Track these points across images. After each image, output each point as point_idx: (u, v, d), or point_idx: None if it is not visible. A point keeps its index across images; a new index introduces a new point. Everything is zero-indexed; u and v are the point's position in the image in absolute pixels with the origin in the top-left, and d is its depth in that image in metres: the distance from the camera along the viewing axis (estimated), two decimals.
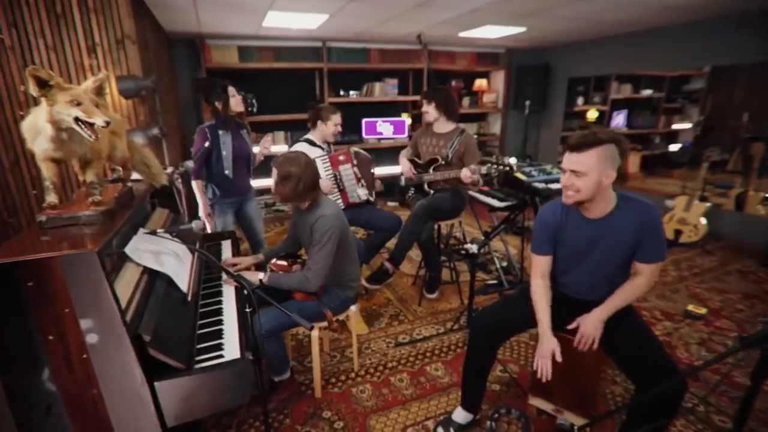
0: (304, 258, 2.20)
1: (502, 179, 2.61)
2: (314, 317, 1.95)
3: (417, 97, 5.37)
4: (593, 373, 1.74)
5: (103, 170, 1.50)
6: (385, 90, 5.23)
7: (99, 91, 1.32)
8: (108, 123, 1.23)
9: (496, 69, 5.74)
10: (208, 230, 2.60)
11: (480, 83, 5.78)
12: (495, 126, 6.09)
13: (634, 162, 5.59)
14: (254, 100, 4.55)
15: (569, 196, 1.49)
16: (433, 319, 2.78)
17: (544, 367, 1.53)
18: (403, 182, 2.99)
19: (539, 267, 1.67)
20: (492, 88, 5.89)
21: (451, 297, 3.06)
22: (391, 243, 2.85)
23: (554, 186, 2.49)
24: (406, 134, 5.39)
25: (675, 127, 5.45)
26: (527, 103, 5.28)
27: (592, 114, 5.99)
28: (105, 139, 1.42)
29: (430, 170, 2.76)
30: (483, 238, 3.43)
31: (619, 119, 5.57)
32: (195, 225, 1.63)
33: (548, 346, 1.54)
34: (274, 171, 1.85)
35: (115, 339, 1.12)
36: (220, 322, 1.56)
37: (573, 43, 5.19)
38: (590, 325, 1.53)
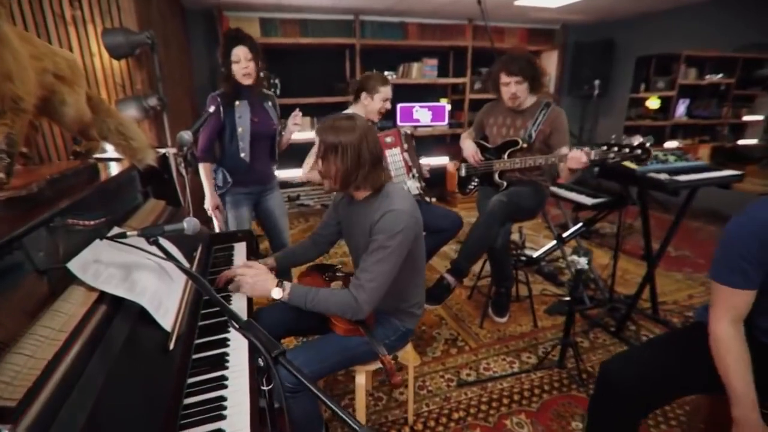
0: (344, 270, 1.61)
1: (607, 169, 1.95)
2: (362, 360, 1.36)
3: (459, 80, 4.73)
4: None
5: (29, 130, 0.95)
6: (423, 71, 4.60)
7: None
8: None
9: (549, 48, 5.03)
10: (216, 228, 2.04)
11: None
12: None
13: (704, 154, 4.82)
14: (277, 81, 4.01)
15: None
16: (502, 348, 2.16)
17: None
18: (463, 171, 2.37)
19: (734, 306, 1.04)
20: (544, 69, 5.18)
21: (521, 317, 2.43)
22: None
23: (684, 178, 1.82)
24: (445, 122, 4.76)
25: (746, 118, 4.79)
26: (585, 87, 4.57)
27: (653, 102, 5.23)
28: (29, 78, 0.85)
29: (504, 156, 2.12)
30: (583, 251, 2.79)
31: (680, 108, 4.85)
32: (188, 224, 1.06)
33: None
34: (317, 141, 1.26)
35: None
36: (222, 384, 0.97)
37: (645, 13, 4.45)
38: None
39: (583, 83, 4.58)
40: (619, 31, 4.74)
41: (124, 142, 1.23)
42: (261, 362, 0.68)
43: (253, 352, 0.69)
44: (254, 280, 1.26)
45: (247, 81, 1.90)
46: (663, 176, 1.80)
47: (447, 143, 5.07)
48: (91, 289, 0.92)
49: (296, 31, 4.02)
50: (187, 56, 3.61)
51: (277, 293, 1.25)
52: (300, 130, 2.10)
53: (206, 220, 2.09)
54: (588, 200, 2.27)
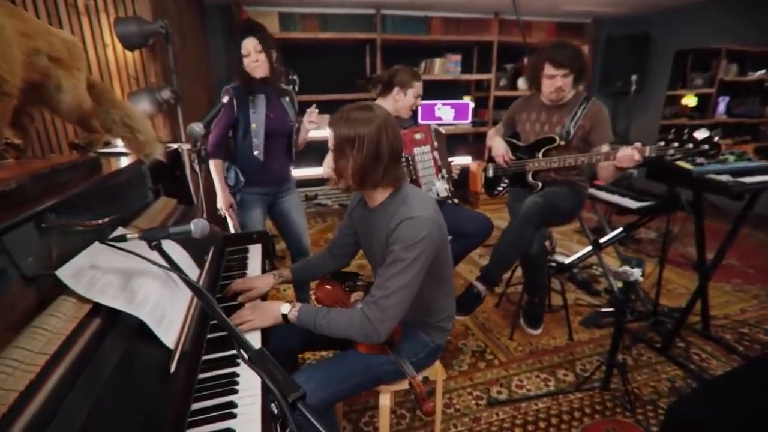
0: (366, 279, 1.47)
1: (656, 170, 1.76)
2: (387, 380, 1.22)
3: (483, 76, 4.54)
4: None
5: (25, 120, 0.84)
6: (446, 67, 4.43)
7: None
8: None
9: (579, 43, 4.73)
10: (231, 229, 1.92)
11: None
12: None
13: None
14: (295, 77, 3.90)
15: None
16: (536, 363, 1.99)
17: None
18: (491, 172, 2.21)
19: None
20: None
21: (554, 329, 2.24)
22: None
23: (749, 180, 1.61)
24: (469, 120, 4.57)
25: None
26: (618, 83, 4.32)
27: (690, 100, 4.94)
28: (13, 57, 0.74)
29: (539, 154, 1.95)
30: (635, 261, 2.60)
31: (720, 106, 4.56)
32: (195, 226, 0.93)
33: None
34: (330, 133, 1.12)
35: None
36: (230, 413, 0.84)
37: (684, 5, 4.17)
38: None
39: (615, 79, 4.33)
40: (656, 24, 4.47)
41: (130, 134, 1.12)
42: (275, 408, 0.54)
43: (266, 392, 0.55)
44: (259, 312, 1.12)
45: (259, 74, 1.78)
46: (725, 178, 1.60)
47: (470, 142, 4.89)
48: (84, 300, 0.80)
49: (316, 26, 3.91)
50: (204, 50, 3.54)
51: (285, 308, 1.12)
52: (316, 128, 1.97)
53: (220, 221, 1.99)
54: (632, 204, 2.07)
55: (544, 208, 1.80)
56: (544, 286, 2.10)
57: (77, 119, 0.97)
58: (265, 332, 1.14)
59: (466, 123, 4.58)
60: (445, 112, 4.51)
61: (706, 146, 1.44)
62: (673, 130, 1.54)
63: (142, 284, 0.93)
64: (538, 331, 2.15)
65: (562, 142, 1.88)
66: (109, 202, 1.13)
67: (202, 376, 0.95)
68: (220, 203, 1.86)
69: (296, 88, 3.52)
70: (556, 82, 1.84)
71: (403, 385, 1.26)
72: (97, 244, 0.92)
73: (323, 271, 1.43)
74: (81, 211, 1.01)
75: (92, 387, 0.68)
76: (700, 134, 1.45)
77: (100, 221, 1.07)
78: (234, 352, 1.02)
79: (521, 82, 4.65)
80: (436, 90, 4.53)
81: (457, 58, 4.45)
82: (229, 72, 1.81)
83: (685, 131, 1.56)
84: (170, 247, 1.15)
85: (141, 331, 0.85)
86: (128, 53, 1.89)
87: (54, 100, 0.88)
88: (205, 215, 1.81)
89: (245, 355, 0.61)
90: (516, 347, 2.11)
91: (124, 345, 0.78)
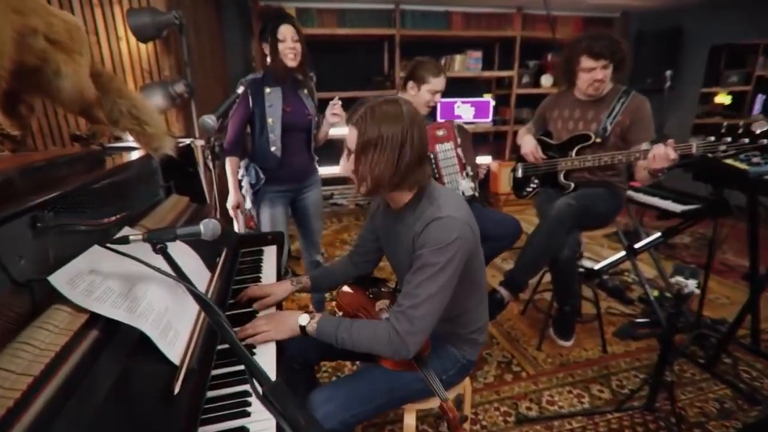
0: (390, 284, 1.36)
1: (703, 170, 1.61)
2: (415, 398, 1.11)
3: (504, 73, 4.39)
4: None
5: (24, 110, 0.75)
6: (466, 64, 4.29)
7: None
8: None
9: None
10: (236, 228, 1.83)
11: None
12: None
13: None
14: (312, 74, 3.82)
15: None
16: (567, 377, 1.85)
17: None
18: (520, 171, 2.07)
19: None
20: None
21: (585, 340, 2.10)
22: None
23: None
24: (489, 118, 4.43)
25: None
26: (649, 80, 4.12)
27: (724, 98, 4.69)
28: (1, 34, 0.65)
29: (572, 153, 1.81)
30: (689, 271, 2.44)
31: (757, 104, 4.30)
32: (206, 227, 0.84)
33: None
34: (349, 132, 1.01)
35: None
36: None
37: None
38: None
39: (645, 76, 4.13)
40: (689, 18, 4.24)
41: (138, 127, 1.03)
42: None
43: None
44: (275, 322, 1.03)
45: (293, 63, 1.70)
46: None
47: (490, 141, 4.74)
48: (80, 309, 0.71)
49: (333, 21, 3.82)
50: (219, 45, 3.48)
51: (304, 319, 1.02)
52: (340, 123, 1.87)
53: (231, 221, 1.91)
54: (676, 207, 1.91)
55: (577, 211, 1.66)
56: (576, 294, 1.95)
57: (80, 109, 0.89)
58: (280, 341, 1.05)
59: (486, 121, 4.43)
60: (465, 110, 4.38)
61: (766, 141, 1.28)
62: (725, 124, 1.38)
63: (147, 290, 0.84)
64: (569, 343, 2.01)
65: (598, 140, 1.74)
66: (114, 200, 1.05)
67: (210, 394, 0.85)
68: (230, 201, 1.78)
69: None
70: (595, 74, 1.70)
71: (431, 404, 1.15)
72: (97, 246, 0.83)
73: (344, 280, 1.33)
74: (82, 209, 0.93)
75: (83, 413, 0.58)
76: (759, 127, 1.29)
77: (104, 221, 0.99)
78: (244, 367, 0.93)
79: (545, 80, 4.49)
80: (456, 87, 4.38)
81: (478, 54, 4.31)
82: (253, 63, 1.73)
83: (741, 123, 1.41)
84: (179, 249, 1.07)
85: (143, 343, 0.76)
86: (142, 46, 1.83)
87: (52, 86, 0.79)
88: (218, 214, 1.73)
89: (260, 390, 0.50)
90: (545, 359, 1.97)
91: (122, 362, 0.69)
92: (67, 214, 0.87)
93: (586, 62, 1.69)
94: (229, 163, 1.78)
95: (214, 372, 0.91)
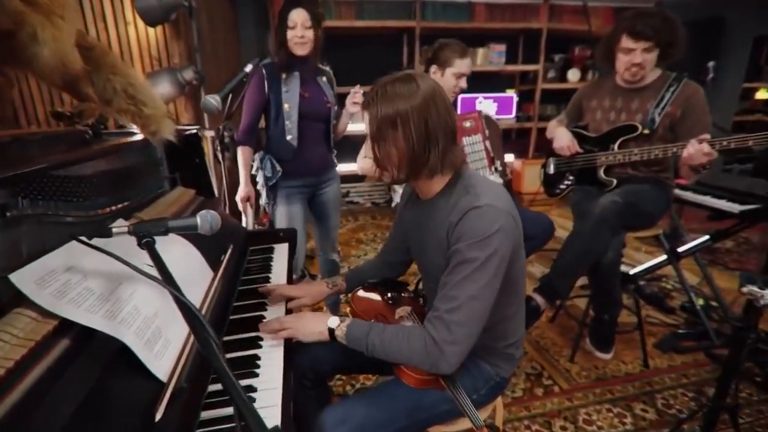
0: (410, 287, 1.22)
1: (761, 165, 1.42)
2: (441, 420, 0.96)
3: (529, 67, 4.19)
4: None
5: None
6: (489, 57, 4.12)
7: None
8: None
9: None
10: (245, 223, 1.72)
11: None
12: None
13: None
14: (328, 68, 3.71)
15: None
16: (605, 393, 1.67)
17: None
18: (552, 167, 1.91)
19: None
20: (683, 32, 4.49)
21: (623, 352, 1.92)
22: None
23: None
24: (512, 114, 4.24)
25: None
26: (685, 74, 3.85)
27: (766, 94, 4.40)
28: None
29: (614, 146, 1.64)
30: (759, 278, 2.26)
31: None
32: (203, 219, 0.72)
33: None
34: (366, 117, 0.89)
35: None
36: None
37: None
38: None
39: (683, 69, 3.87)
40: (731, 9, 3.97)
41: (134, 107, 0.91)
42: None
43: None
44: (303, 322, 0.93)
45: (301, 51, 1.58)
46: None
47: (513, 139, 4.55)
48: (49, 314, 0.59)
49: (351, 14, 3.70)
50: (233, 35, 3.39)
51: (333, 322, 0.90)
52: (359, 104, 1.74)
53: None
54: (733, 207, 1.71)
55: (625, 209, 1.49)
56: (618, 302, 1.77)
57: (63, 83, 0.78)
58: (288, 350, 0.92)
59: (509, 118, 4.24)
60: (486, 105, 4.19)
61: None
62: None
63: (134, 291, 0.72)
64: (609, 355, 1.83)
65: (646, 131, 1.56)
66: (109, 190, 0.94)
67: (205, 414, 0.72)
68: (239, 193, 1.67)
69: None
70: (633, 57, 1.53)
71: (459, 426, 1.00)
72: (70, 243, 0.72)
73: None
74: (68, 198, 0.82)
75: None
76: None
77: (94, 212, 0.88)
78: (248, 382, 0.80)
79: (571, 74, 4.28)
80: (477, 82, 4.19)
81: (502, 48, 4.12)
82: (265, 47, 1.62)
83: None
84: (178, 245, 0.95)
85: (126, 354, 0.64)
86: (151, 32, 1.74)
87: (28, 53, 0.68)
88: (227, 208, 1.62)
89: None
90: (578, 372, 1.80)
91: (92, 380, 0.57)
92: (47, 202, 0.76)
93: (625, 42, 1.52)
94: (241, 153, 1.67)
95: (212, 388, 0.79)
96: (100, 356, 0.60)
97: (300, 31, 1.55)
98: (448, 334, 0.81)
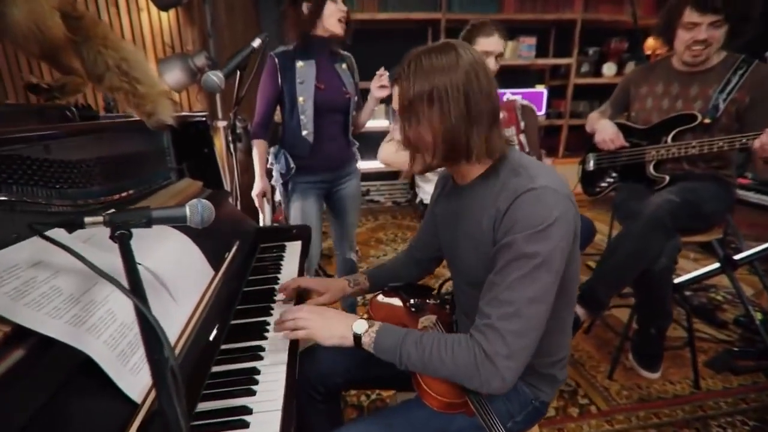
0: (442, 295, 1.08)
1: None
2: None
3: (561, 61, 3.97)
4: None
5: None
6: (518, 51, 3.93)
7: None
8: None
9: None
10: (261, 221, 1.62)
11: (655, 43, 4.15)
12: None
13: None
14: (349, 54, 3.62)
15: None
16: (650, 417, 1.49)
17: None
18: (592, 163, 1.73)
19: None
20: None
21: (669, 369, 1.72)
22: None
23: None
24: (542, 111, 4.03)
25: None
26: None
27: None
28: None
29: (667, 138, 1.46)
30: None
31: None
32: (192, 210, 0.61)
33: None
34: (396, 92, 0.76)
35: None
36: None
37: None
38: None
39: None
40: None
41: (128, 85, 0.82)
42: None
43: None
44: (323, 321, 0.80)
45: (340, 30, 1.48)
46: None
47: (542, 136, 4.33)
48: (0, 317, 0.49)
49: (374, 5, 3.59)
50: (254, 26, 3.32)
51: (360, 326, 0.77)
52: (388, 94, 1.61)
53: (258, 211, 1.70)
54: None
55: (681, 209, 1.31)
56: (669, 313, 1.57)
57: (41, 52, 0.68)
58: (293, 357, 0.80)
59: (539, 115, 4.02)
60: None
61: None
62: None
63: (111, 292, 0.62)
64: (656, 375, 1.63)
65: (707, 120, 1.37)
66: (105, 178, 0.85)
67: None
68: (255, 189, 1.57)
69: None
70: (697, 33, 1.34)
71: None
72: (53, 233, 0.62)
73: (407, 281, 1.09)
74: (51, 184, 0.72)
75: None
76: None
77: (79, 202, 0.79)
78: (243, 402, 0.68)
79: (607, 68, 4.03)
80: (505, 77, 3.99)
81: (532, 41, 3.92)
82: (284, 28, 1.53)
83: None
84: (173, 240, 0.84)
85: (96, 367, 0.53)
86: (164, 18, 1.66)
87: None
88: (238, 203, 1.53)
89: None
90: (619, 391, 1.62)
91: (44, 397, 0.46)
92: (21, 187, 0.67)
93: (689, 15, 1.33)
94: (256, 146, 1.57)
95: (202, 406, 0.67)
96: (62, 370, 0.50)
97: (342, 5, 1.45)
98: (502, 345, 0.68)
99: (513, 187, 0.71)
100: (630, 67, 4.06)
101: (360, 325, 0.78)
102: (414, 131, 0.75)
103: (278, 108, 1.61)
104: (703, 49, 1.35)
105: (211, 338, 0.79)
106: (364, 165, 3.68)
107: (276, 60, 1.51)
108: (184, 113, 1.15)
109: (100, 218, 0.58)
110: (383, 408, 1.55)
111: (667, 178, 1.47)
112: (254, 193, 1.58)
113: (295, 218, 1.66)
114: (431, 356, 0.72)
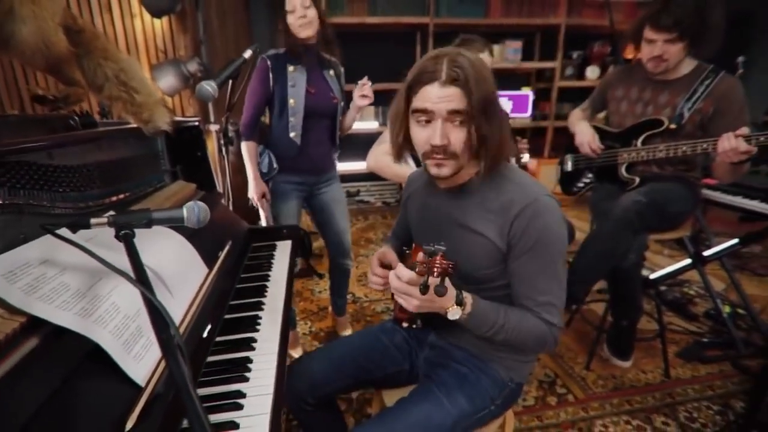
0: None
1: None
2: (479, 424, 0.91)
3: (546, 64, 4.08)
4: None
5: None
6: (504, 55, 4.01)
7: None
8: None
9: None
10: (263, 221, 1.68)
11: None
12: None
13: None
14: (337, 61, 3.67)
15: None
16: (623, 404, 1.58)
17: None
18: (570, 164, 1.82)
19: None
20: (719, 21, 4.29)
21: (642, 360, 1.82)
22: None
23: None
24: (528, 113, 4.13)
25: None
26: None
27: None
28: None
29: (637, 142, 1.54)
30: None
31: None
32: (190, 211, 0.67)
33: None
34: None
35: None
36: None
37: None
38: None
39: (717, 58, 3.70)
40: (762, 1, 3.79)
41: (126, 94, 0.87)
42: None
43: None
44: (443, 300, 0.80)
45: (305, 32, 1.51)
46: None
47: (527, 137, 4.43)
48: (17, 310, 0.55)
49: (364, 9, 3.64)
50: (246, 33, 3.36)
51: (455, 313, 0.78)
52: (370, 97, 1.68)
53: (251, 212, 1.75)
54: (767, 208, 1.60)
55: (649, 209, 1.39)
56: (639, 307, 1.66)
57: (47, 65, 0.73)
58: (283, 347, 0.86)
59: (525, 116, 4.14)
60: (502, 104, 4.09)
61: None
62: None
63: (115, 287, 0.68)
64: (628, 363, 1.73)
65: (672, 126, 1.46)
66: (102, 181, 0.90)
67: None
68: (252, 192, 1.62)
69: None
70: (654, 48, 1.43)
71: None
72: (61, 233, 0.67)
73: None
74: (54, 188, 0.78)
75: None
76: None
77: (80, 204, 0.84)
78: (237, 387, 0.75)
79: (590, 72, 4.15)
80: None
81: (518, 44, 4.01)
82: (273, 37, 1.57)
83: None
84: (169, 240, 0.90)
85: (103, 356, 0.59)
86: (156, 24, 1.71)
87: (6, 32, 0.64)
88: (230, 204, 1.58)
89: None
90: (595, 380, 1.71)
91: (58, 381, 0.52)
92: (29, 191, 0.72)
93: (647, 32, 1.42)
94: (246, 148, 1.61)
95: (201, 392, 0.73)
96: (72, 357, 0.56)
97: (300, 11, 1.48)
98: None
99: (509, 193, 0.83)
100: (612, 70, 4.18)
101: (454, 313, 0.77)
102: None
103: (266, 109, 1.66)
104: (661, 63, 1.44)
105: (206, 331, 0.85)
106: (354, 166, 3.76)
107: (268, 62, 1.54)
108: (178, 118, 1.20)
109: (104, 219, 0.64)
110: (383, 409, 1.61)
111: (638, 179, 1.56)
112: (253, 194, 1.63)
113: (274, 217, 1.71)
114: (520, 325, 0.82)
